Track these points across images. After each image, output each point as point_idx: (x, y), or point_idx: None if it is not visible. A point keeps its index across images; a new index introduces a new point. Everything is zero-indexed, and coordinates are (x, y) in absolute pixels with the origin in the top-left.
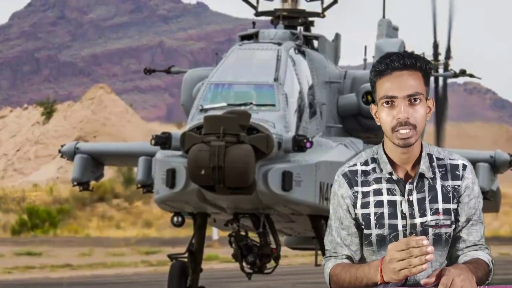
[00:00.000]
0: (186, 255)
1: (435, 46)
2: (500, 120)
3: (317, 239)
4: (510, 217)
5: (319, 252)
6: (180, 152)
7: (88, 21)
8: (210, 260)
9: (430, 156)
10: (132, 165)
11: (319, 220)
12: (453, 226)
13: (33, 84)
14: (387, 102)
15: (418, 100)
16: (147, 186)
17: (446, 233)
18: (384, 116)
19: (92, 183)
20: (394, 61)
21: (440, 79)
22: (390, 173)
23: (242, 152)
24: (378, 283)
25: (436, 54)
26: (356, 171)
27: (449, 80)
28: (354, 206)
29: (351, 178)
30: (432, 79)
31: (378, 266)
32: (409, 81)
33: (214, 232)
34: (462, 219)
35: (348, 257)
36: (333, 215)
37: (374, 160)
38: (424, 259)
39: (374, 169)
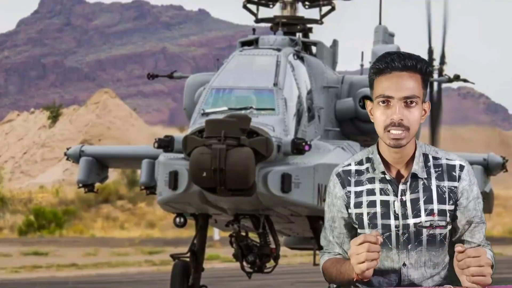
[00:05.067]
0: (188, 255)
1: (430, 52)
2: (493, 124)
3: (315, 240)
4: (502, 218)
5: (317, 252)
6: (182, 155)
7: (93, 27)
8: (212, 259)
9: (425, 156)
10: (135, 168)
11: (317, 221)
12: (449, 227)
13: (40, 89)
14: (383, 102)
15: (414, 103)
16: (151, 188)
17: (440, 234)
18: (378, 115)
19: (97, 185)
20: (394, 60)
21: (435, 84)
22: (383, 173)
23: (242, 155)
24: (354, 279)
25: (430, 59)
26: (350, 171)
27: (444, 85)
28: (347, 206)
29: (344, 178)
30: None
31: None
32: (407, 83)
33: (215, 233)
34: (463, 222)
35: (340, 255)
36: (327, 213)
37: (369, 159)
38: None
39: (367, 169)
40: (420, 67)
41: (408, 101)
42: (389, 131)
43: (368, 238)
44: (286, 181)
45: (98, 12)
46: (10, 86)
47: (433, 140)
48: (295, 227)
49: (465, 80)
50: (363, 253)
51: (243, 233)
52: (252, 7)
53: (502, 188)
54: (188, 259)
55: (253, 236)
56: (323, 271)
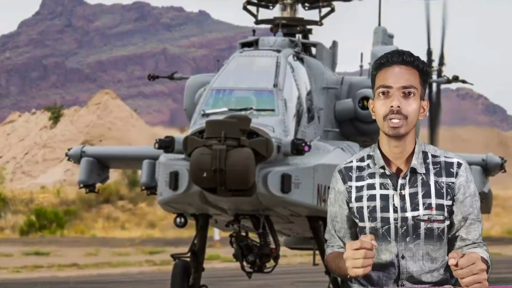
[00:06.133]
0: (188, 255)
1: (429, 53)
2: (491, 125)
3: (315, 240)
4: (501, 218)
5: (317, 251)
6: (183, 156)
7: (94, 29)
8: (212, 259)
9: (425, 153)
10: (136, 168)
11: (317, 221)
12: (446, 222)
13: (41, 90)
14: (383, 93)
15: (412, 94)
16: (151, 188)
17: (438, 228)
18: (378, 106)
19: (98, 185)
20: (394, 56)
21: (434, 85)
22: (383, 168)
23: (242, 156)
24: (348, 276)
25: (429, 61)
26: (351, 167)
27: (443, 86)
28: (349, 200)
29: (345, 174)
30: None
31: None
32: (405, 75)
33: (215, 233)
34: (459, 217)
35: (342, 248)
36: (330, 208)
37: (370, 156)
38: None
39: (368, 165)
40: (417, 64)
41: (406, 92)
42: (389, 119)
43: (364, 245)
44: (286, 182)
45: (99, 14)
46: (12, 87)
47: (432, 141)
48: (295, 227)
49: (463, 81)
50: (360, 260)
51: (243, 233)
52: (252, 9)
53: (501, 189)
54: (188, 259)
55: (253, 236)
56: (326, 263)
